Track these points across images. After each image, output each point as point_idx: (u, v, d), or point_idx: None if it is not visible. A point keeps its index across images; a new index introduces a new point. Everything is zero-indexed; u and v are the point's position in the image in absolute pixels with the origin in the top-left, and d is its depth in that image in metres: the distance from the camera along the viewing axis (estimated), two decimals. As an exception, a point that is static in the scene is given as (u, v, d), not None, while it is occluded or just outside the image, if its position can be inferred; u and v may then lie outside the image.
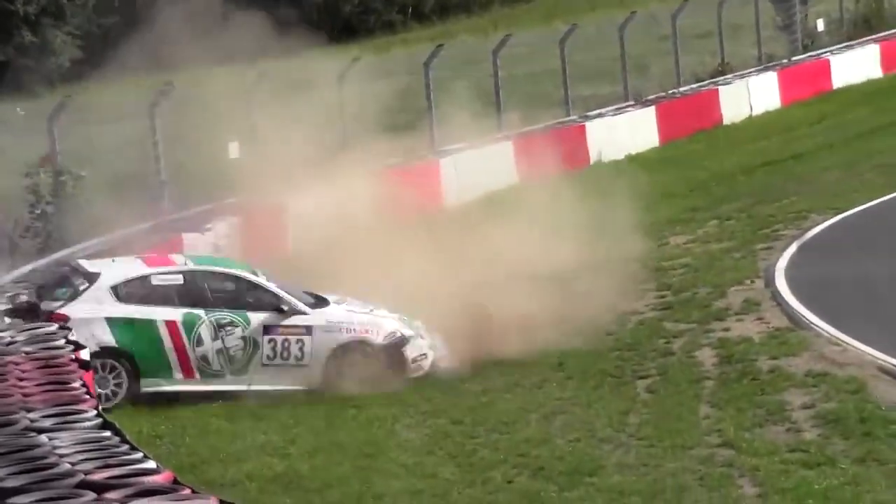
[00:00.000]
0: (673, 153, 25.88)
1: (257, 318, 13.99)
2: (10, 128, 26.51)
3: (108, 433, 10.12)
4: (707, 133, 27.34)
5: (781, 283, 17.06)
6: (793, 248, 18.97)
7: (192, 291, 14.06)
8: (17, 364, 12.12)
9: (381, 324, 14.27)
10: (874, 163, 24.21)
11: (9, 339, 13.13)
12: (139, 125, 20.70)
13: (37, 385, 11.20)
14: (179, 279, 14.11)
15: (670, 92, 26.97)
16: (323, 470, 12.06)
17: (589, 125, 24.96)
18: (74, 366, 12.20)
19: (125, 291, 13.88)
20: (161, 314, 13.77)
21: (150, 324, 13.73)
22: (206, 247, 17.99)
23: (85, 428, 10.28)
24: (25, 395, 10.89)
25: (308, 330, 14.00)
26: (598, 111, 25.62)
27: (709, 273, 17.55)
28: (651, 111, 25.73)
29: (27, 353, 12.38)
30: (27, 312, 14.15)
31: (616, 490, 10.43)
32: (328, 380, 13.94)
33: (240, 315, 13.99)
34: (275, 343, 13.94)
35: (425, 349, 14.24)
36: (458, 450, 11.95)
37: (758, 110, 27.96)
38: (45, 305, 13.99)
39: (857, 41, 31.33)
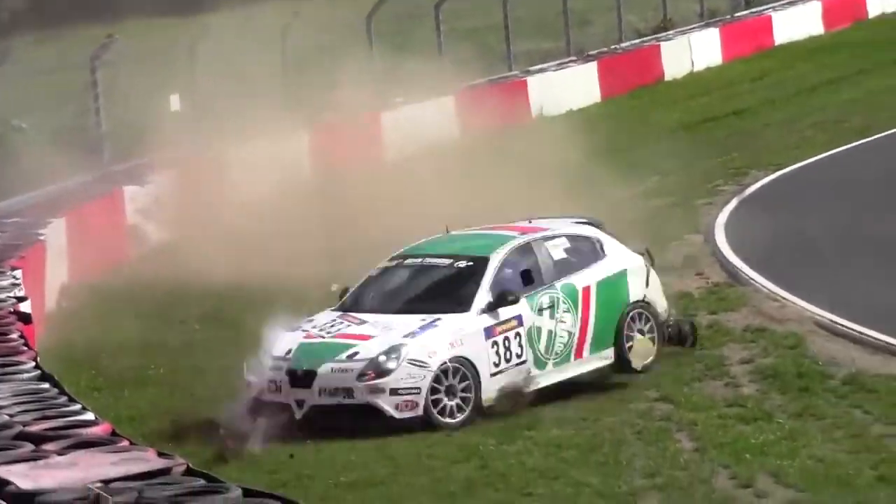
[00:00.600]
0: (614, 109, 26.07)
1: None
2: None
3: (46, 385, 9.97)
4: (649, 89, 27.73)
5: (721, 239, 17.27)
6: (733, 204, 19.16)
7: None
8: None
9: None
10: (814, 119, 24.45)
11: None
12: (80, 78, 20.68)
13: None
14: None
15: (612, 48, 27.28)
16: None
17: (530, 80, 25.15)
18: (13, 318, 12.05)
19: None
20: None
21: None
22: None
23: (23, 380, 10.22)
24: (-38, 348, 10.99)
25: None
26: (540, 66, 25.82)
27: (649, 228, 17.29)
28: (593, 67, 25.96)
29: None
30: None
31: (554, 444, 10.56)
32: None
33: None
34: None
35: None
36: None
37: (699, 66, 28.32)
38: None
39: (799, -2, 31.94)
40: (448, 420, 11.51)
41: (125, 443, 9.22)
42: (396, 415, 11.34)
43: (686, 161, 21.29)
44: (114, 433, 9.48)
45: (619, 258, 12.64)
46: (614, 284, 12.44)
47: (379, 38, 23.29)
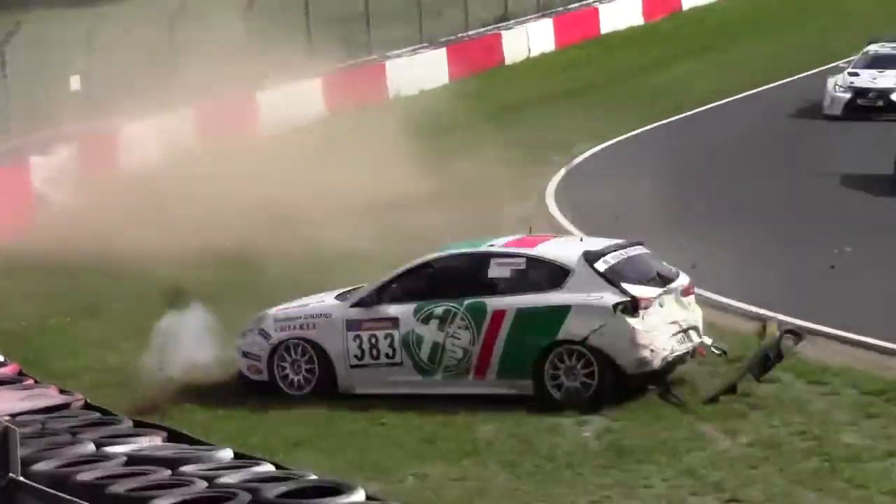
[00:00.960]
0: (461, 89, 27.45)
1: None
2: None
3: None
4: (491, 72, 29.43)
5: (551, 203, 19.11)
6: (561, 173, 20.98)
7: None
8: None
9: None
10: (636, 100, 26.24)
11: None
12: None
13: None
14: None
15: (459, 35, 29.24)
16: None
17: (388, 64, 26.73)
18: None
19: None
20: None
21: None
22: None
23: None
24: None
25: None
26: (396, 52, 27.51)
27: (489, 194, 18.99)
28: (442, 52, 27.81)
29: None
30: None
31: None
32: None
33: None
34: None
35: None
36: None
37: (535, 52, 30.39)
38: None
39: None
40: (292, 391, 11.56)
41: (31, 381, 9.92)
42: (248, 375, 11.70)
43: (522, 135, 22.74)
44: (20, 373, 10.35)
45: (578, 295, 11.34)
46: (542, 317, 11.35)
47: (256, 26, 24.81)
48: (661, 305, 11.17)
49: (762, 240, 16.90)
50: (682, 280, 11.55)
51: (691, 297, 11.60)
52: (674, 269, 11.77)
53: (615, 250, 11.64)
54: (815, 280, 14.83)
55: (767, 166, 21.07)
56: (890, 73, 23.62)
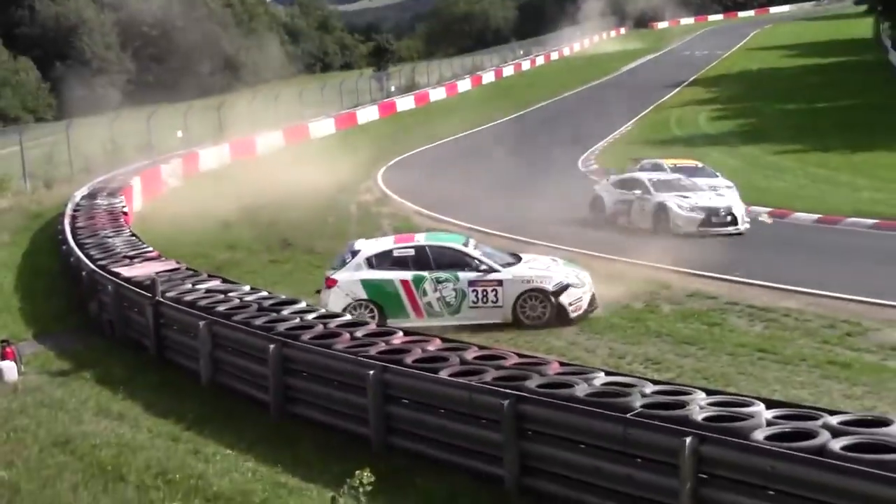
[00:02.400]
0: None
1: (465, 276, 16.18)
2: None
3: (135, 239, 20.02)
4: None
5: (380, 180, 35.55)
6: (386, 167, 38.34)
7: (420, 259, 16.31)
8: None
9: (551, 276, 16.25)
10: (437, 133, 43.92)
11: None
12: None
13: None
14: (412, 252, 16.45)
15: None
16: None
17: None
18: None
19: (375, 261, 16.46)
20: (397, 276, 16.21)
21: (389, 282, 16.23)
22: None
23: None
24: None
25: (500, 283, 16.11)
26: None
27: (354, 179, 35.14)
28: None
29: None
30: None
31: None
32: (517, 317, 16.14)
33: (452, 274, 16.20)
34: (477, 292, 16.14)
35: (579, 295, 16.22)
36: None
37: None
38: (325, 272, 17.13)
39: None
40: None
41: (165, 259, 17.71)
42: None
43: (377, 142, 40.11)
44: (159, 255, 18.08)
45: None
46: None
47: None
48: None
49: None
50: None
51: None
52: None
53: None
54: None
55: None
56: (722, 190, 24.74)
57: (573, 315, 16.06)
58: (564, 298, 16.00)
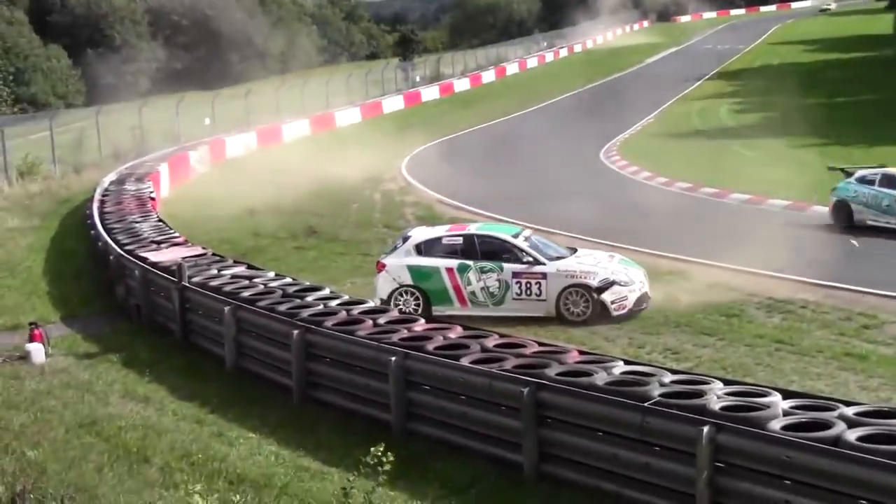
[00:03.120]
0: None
1: (509, 267, 15.92)
2: None
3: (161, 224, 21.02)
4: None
5: (404, 170, 35.52)
6: (410, 156, 38.45)
7: (468, 248, 16.18)
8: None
9: (596, 272, 15.76)
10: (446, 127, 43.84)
11: None
12: None
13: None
14: (460, 240, 16.34)
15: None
16: None
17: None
18: None
19: (423, 248, 16.45)
20: (443, 263, 16.11)
21: (436, 270, 16.17)
22: None
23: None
24: None
25: (544, 276, 15.76)
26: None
27: (378, 167, 35.17)
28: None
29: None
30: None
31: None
32: (560, 311, 15.70)
33: (497, 265, 15.98)
34: (521, 284, 15.81)
35: (624, 293, 15.71)
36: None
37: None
38: (380, 257, 17.28)
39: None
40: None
41: (191, 244, 18.32)
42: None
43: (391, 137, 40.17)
44: (186, 241, 18.35)
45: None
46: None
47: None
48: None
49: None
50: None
51: None
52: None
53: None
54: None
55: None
56: None
57: (615, 313, 15.61)
58: (607, 296, 15.55)
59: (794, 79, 57.81)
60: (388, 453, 7.58)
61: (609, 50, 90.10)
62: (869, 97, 48.08)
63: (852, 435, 8.29)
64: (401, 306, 15.83)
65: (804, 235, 22.15)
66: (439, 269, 15.99)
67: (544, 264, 15.81)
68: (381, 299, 16.11)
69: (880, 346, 14.18)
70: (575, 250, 16.76)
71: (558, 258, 16.11)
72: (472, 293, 15.90)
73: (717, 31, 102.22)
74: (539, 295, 15.71)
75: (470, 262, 15.92)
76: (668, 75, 67.23)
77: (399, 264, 16.21)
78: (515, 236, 16.37)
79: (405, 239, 16.67)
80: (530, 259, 15.86)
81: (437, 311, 15.75)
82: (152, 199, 25.11)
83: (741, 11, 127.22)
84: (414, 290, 16.09)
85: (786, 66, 67.67)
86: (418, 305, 15.95)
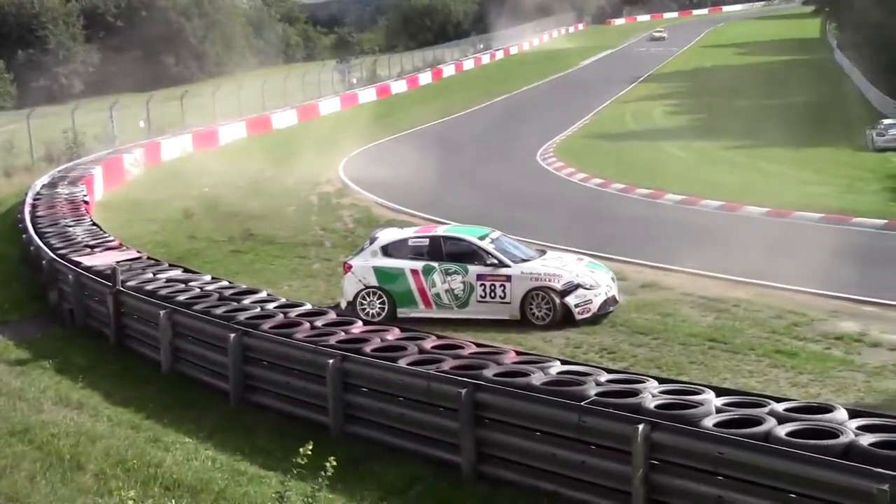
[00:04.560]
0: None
1: (474, 269, 15.65)
2: None
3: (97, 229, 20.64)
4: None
5: (341, 172, 35.06)
6: (347, 158, 38.05)
7: (434, 250, 15.91)
8: None
9: (561, 275, 15.45)
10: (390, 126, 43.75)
11: None
12: None
13: None
14: (426, 242, 16.11)
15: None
16: None
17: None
18: None
19: (390, 249, 16.24)
20: (409, 265, 15.88)
21: (401, 271, 15.94)
22: None
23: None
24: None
25: (508, 278, 15.49)
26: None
27: (315, 170, 34.89)
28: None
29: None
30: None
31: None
32: (524, 314, 15.44)
33: (462, 267, 15.73)
34: (485, 286, 15.55)
35: (589, 297, 15.39)
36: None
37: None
38: (346, 258, 17.11)
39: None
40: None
41: (126, 248, 18.07)
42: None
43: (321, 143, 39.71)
44: (120, 244, 18.34)
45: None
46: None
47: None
48: None
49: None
50: None
51: None
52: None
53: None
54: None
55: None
56: None
57: (579, 317, 15.32)
58: (571, 299, 15.29)
59: (726, 81, 58.68)
60: (332, 458, 7.49)
61: (545, 52, 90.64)
62: (798, 100, 48.96)
63: (782, 430, 8.43)
64: (366, 308, 15.82)
65: (737, 235, 22.44)
66: (404, 271, 15.82)
67: (509, 266, 15.58)
68: (347, 301, 16.05)
69: (809, 343, 14.43)
70: (544, 252, 16.59)
71: (524, 260, 15.87)
72: (437, 295, 15.72)
73: (652, 33, 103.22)
74: (503, 297, 15.49)
75: (435, 264, 15.75)
76: (602, 78, 67.88)
77: (365, 265, 16.08)
78: (482, 238, 16.13)
79: (372, 240, 16.55)
80: (495, 261, 15.62)
81: (402, 312, 15.68)
82: (86, 202, 24.84)
83: (675, 15, 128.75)
84: (379, 292, 15.92)
85: (718, 68, 68.66)
86: (383, 307, 15.85)
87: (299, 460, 7.37)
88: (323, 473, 7.32)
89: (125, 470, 9.92)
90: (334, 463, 7.42)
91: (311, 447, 7.38)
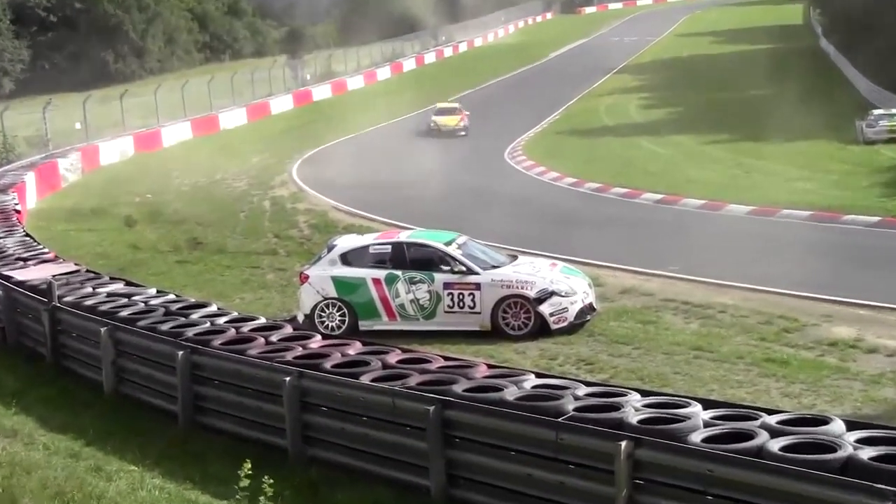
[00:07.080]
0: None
1: (441, 277, 15.52)
2: None
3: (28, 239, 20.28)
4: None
5: (295, 174, 35.16)
6: (302, 159, 37.97)
7: (396, 257, 15.80)
8: None
9: (534, 282, 15.37)
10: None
11: None
12: None
13: None
14: (388, 249, 15.96)
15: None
16: None
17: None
18: None
19: (350, 257, 16.09)
20: (370, 274, 15.74)
21: (362, 281, 15.80)
22: None
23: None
24: None
25: (477, 286, 15.36)
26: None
27: (267, 172, 35.31)
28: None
29: None
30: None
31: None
32: (496, 325, 15.32)
33: (427, 275, 15.57)
34: (453, 296, 15.44)
35: (564, 305, 15.32)
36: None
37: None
38: (302, 267, 16.95)
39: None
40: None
41: (61, 259, 17.47)
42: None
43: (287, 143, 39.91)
44: (56, 257, 17.91)
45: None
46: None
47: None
48: None
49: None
50: None
51: None
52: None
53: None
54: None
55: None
56: None
57: (555, 326, 15.24)
58: (545, 308, 15.19)
59: (704, 72, 59.04)
60: (270, 479, 7.27)
61: (512, 44, 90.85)
62: (780, 90, 49.34)
63: (776, 445, 8.36)
64: (325, 321, 15.66)
65: (720, 236, 22.51)
66: (366, 281, 15.66)
67: (478, 273, 15.46)
68: (305, 314, 15.93)
69: (801, 350, 14.44)
70: (515, 258, 16.48)
71: (494, 267, 15.74)
72: (402, 306, 15.57)
73: (625, 22, 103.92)
74: (472, 307, 15.35)
75: (398, 273, 15.58)
76: (574, 70, 68.08)
77: (323, 275, 15.89)
78: (448, 244, 15.97)
79: (330, 248, 16.38)
80: (463, 268, 15.48)
81: (364, 325, 15.57)
82: (17, 211, 24.52)
83: (649, 1, 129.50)
84: (339, 303, 15.76)
85: (696, 58, 69.11)
86: (344, 319, 15.70)
87: (240, 485, 7.21)
88: (261, 498, 7.15)
89: (64, 503, 9.73)
90: (273, 487, 7.19)
91: (249, 467, 7.24)
